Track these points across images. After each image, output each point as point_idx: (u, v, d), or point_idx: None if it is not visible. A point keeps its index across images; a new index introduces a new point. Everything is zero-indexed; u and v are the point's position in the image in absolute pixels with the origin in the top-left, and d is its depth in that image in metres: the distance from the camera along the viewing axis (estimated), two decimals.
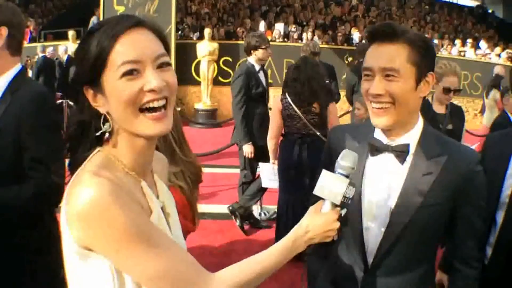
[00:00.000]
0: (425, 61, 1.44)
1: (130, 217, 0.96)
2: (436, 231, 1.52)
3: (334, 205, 1.25)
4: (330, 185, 1.25)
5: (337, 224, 1.24)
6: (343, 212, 1.30)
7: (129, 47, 1.01)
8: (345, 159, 1.27)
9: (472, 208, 1.50)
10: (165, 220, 1.15)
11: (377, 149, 1.51)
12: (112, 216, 0.94)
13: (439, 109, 3.56)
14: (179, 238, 1.19)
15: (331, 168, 1.46)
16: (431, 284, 1.59)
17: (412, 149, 1.49)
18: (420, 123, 1.52)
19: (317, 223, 1.22)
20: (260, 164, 4.61)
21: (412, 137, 1.50)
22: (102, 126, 1.05)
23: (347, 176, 1.26)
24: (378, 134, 1.53)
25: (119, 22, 1.03)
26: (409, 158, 1.49)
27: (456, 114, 3.65)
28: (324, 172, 1.27)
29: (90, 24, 12.40)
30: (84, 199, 0.94)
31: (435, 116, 3.52)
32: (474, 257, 1.54)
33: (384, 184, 1.50)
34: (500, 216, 2.11)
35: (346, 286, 1.61)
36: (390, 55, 1.41)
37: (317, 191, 1.26)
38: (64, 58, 10.68)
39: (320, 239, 1.24)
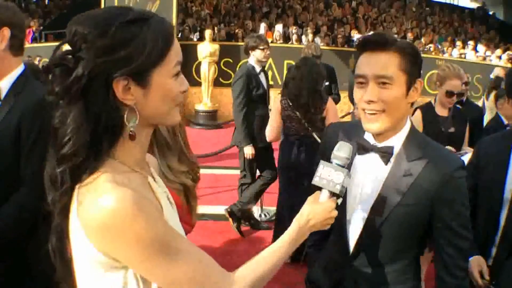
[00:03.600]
0: (414, 68, 1.51)
1: (154, 228, 0.96)
2: (414, 230, 1.56)
3: (332, 194, 1.32)
4: (328, 175, 1.32)
5: (335, 212, 1.31)
6: (339, 201, 1.36)
7: (178, 49, 1.06)
8: (341, 150, 1.35)
9: (451, 214, 1.51)
10: (173, 210, 1.16)
11: (364, 148, 1.57)
12: (138, 229, 0.94)
13: (442, 111, 3.54)
14: (180, 226, 1.20)
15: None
16: (411, 279, 1.62)
17: (396, 151, 1.55)
18: (407, 127, 1.58)
19: (317, 211, 1.28)
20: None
21: (398, 139, 1.56)
22: (127, 121, 1.01)
23: (343, 167, 1.33)
24: (368, 135, 1.60)
25: (163, 21, 1.04)
26: (393, 159, 1.55)
27: (460, 117, 3.62)
28: (322, 163, 1.34)
29: None
30: (107, 210, 0.92)
31: (437, 118, 3.52)
32: (456, 265, 1.53)
33: (368, 181, 1.57)
34: (503, 216, 2.12)
35: (332, 274, 1.70)
36: (384, 63, 1.48)
37: (316, 181, 1.33)
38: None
39: (320, 227, 1.30)
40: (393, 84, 1.47)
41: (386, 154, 1.54)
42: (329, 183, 1.31)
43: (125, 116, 1.01)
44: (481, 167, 2.21)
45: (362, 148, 1.57)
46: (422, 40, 14.44)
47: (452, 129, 3.48)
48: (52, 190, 1.02)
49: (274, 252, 1.20)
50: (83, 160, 0.98)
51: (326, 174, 1.32)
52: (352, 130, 1.66)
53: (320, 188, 1.33)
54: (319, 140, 3.95)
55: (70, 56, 0.97)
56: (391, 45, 1.48)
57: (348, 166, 1.36)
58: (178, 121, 1.11)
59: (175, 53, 1.05)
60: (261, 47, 4.77)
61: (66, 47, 1.01)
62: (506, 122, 4.02)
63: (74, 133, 0.97)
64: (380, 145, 1.56)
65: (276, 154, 4.60)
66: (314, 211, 1.28)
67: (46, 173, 1.02)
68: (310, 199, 1.33)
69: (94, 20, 0.99)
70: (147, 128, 1.09)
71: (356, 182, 1.59)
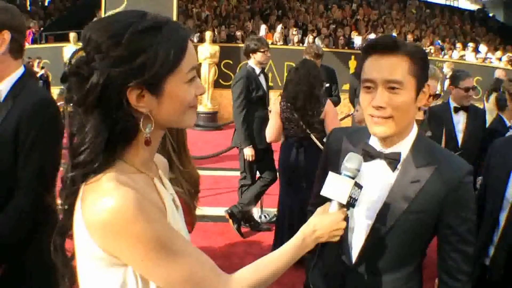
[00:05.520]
0: (423, 72, 1.46)
1: (155, 229, 0.98)
2: (420, 237, 1.53)
3: (341, 205, 1.32)
4: (336, 186, 1.32)
5: (344, 224, 1.31)
6: (349, 212, 1.36)
7: (193, 54, 1.08)
8: (350, 161, 1.35)
9: (458, 220, 1.47)
10: (177, 213, 1.17)
11: (370, 155, 1.52)
12: (139, 228, 0.95)
13: (417, 115, 3.41)
14: (185, 229, 1.21)
15: (328, 168, 1.50)
16: (414, 286, 1.59)
17: (403, 157, 1.50)
18: (414, 132, 1.53)
19: (324, 223, 1.28)
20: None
21: (404, 145, 1.51)
22: (142, 127, 1.03)
23: (352, 178, 1.32)
24: (373, 141, 1.56)
25: (177, 27, 1.06)
26: (400, 166, 1.50)
27: (435, 120, 3.52)
28: (331, 174, 1.34)
29: None
30: (108, 208, 0.94)
31: None
32: (461, 270, 1.50)
33: (374, 188, 1.52)
34: (503, 217, 2.13)
35: (333, 281, 1.67)
36: (393, 67, 1.42)
37: (324, 192, 1.32)
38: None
39: (327, 238, 1.30)
40: (402, 89, 1.42)
41: (393, 160, 1.49)
42: (337, 194, 1.31)
43: (141, 123, 1.03)
44: (490, 168, 2.23)
45: (368, 154, 1.52)
46: (423, 42, 14.46)
47: (429, 133, 3.33)
48: (62, 189, 1.04)
49: (275, 259, 1.20)
50: (98, 165, 1.00)
51: (334, 185, 1.32)
52: (356, 136, 1.61)
53: (330, 200, 1.33)
54: (317, 142, 3.96)
55: (85, 65, 0.99)
56: (401, 48, 1.42)
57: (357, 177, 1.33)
58: (193, 123, 1.12)
59: (189, 59, 1.06)
60: (262, 50, 4.77)
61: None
62: (508, 124, 4.02)
63: (92, 142, 0.99)
64: (387, 151, 1.51)
65: (276, 156, 4.60)
66: (321, 222, 1.28)
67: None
68: (319, 210, 1.33)
69: (108, 28, 1.00)
70: (160, 130, 1.10)
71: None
